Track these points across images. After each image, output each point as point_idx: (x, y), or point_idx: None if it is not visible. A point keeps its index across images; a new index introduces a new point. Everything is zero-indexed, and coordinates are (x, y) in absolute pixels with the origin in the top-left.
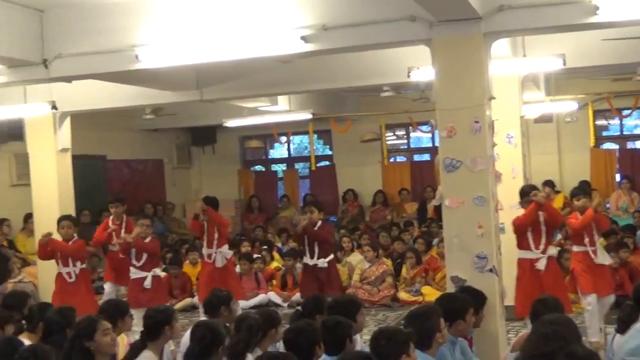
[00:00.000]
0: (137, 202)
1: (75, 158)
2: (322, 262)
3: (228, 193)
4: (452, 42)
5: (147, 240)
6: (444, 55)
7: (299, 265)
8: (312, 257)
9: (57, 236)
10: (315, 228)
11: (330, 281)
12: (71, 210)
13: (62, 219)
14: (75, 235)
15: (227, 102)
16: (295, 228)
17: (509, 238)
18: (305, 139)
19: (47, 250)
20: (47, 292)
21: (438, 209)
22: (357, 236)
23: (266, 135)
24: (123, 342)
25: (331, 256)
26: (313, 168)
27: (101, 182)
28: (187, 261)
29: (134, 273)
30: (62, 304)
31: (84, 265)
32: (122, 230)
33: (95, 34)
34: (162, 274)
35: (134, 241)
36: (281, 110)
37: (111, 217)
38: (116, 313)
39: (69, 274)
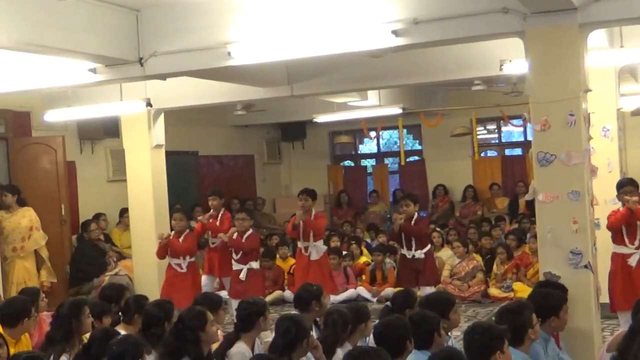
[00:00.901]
0: (228, 197)
1: (168, 154)
2: (420, 253)
3: (317, 188)
4: (546, 34)
5: (248, 233)
6: (538, 48)
7: (388, 261)
8: (409, 249)
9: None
10: (412, 222)
11: (426, 272)
12: (165, 205)
13: (175, 211)
14: (187, 228)
15: (317, 97)
16: (392, 226)
17: (604, 234)
18: (394, 133)
19: (166, 250)
20: (142, 285)
21: (530, 204)
22: (447, 232)
23: (356, 131)
24: None
25: (428, 246)
26: (403, 163)
27: (193, 177)
28: (278, 255)
29: (234, 265)
30: (170, 294)
31: (193, 259)
32: (218, 222)
33: (189, 32)
34: (257, 267)
35: (230, 240)
36: (371, 105)
37: (201, 218)
38: (210, 306)
39: (179, 265)
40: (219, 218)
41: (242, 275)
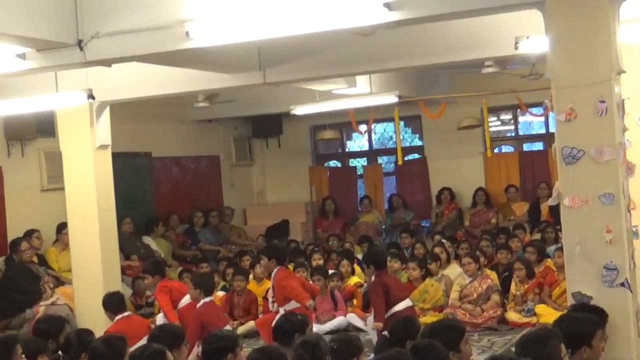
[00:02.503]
0: (188, 208)
1: (115, 156)
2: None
3: (297, 195)
4: (570, 4)
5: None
6: (560, 21)
7: None
8: None
9: None
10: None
11: None
12: (112, 219)
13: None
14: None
15: (295, 85)
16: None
17: None
18: (390, 127)
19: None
20: (85, 317)
21: (555, 210)
22: (455, 245)
23: (343, 124)
24: None
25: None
26: (400, 162)
27: (147, 184)
28: (251, 277)
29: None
30: (121, 328)
31: None
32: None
33: (138, 8)
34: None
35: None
36: (360, 93)
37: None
38: (170, 342)
39: None
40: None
41: None
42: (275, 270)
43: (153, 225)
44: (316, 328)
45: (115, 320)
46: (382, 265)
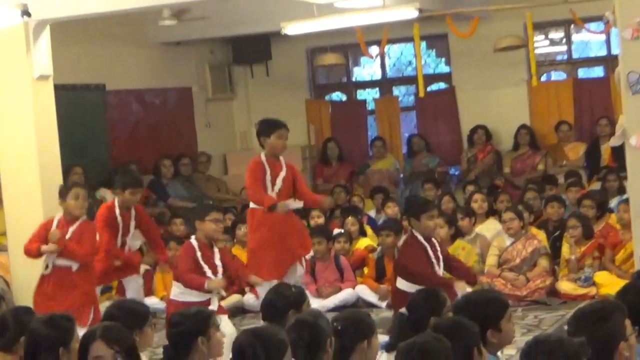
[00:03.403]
0: (153, 154)
1: (59, 90)
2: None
3: (291, 136)
4: None
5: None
6: None
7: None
8: None
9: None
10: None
11: None
12: (56, 168)
13: (74, 185)
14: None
15: None
16: None
17: None
18: (408, 49)
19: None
20: (23, 292)
21: (618, 153)
22: (493, 197)
23: (348, 47)
24: None
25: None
26: (421, 94)
27: (100, 124)
28: (235, 240)
29: None
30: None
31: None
32: (132, 226)
33: None
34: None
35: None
36: (371, 5)
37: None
38: (131, 322)
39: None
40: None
41: None
42: None
43: (109, 178)
44: (317, 304)
45: None
46: None
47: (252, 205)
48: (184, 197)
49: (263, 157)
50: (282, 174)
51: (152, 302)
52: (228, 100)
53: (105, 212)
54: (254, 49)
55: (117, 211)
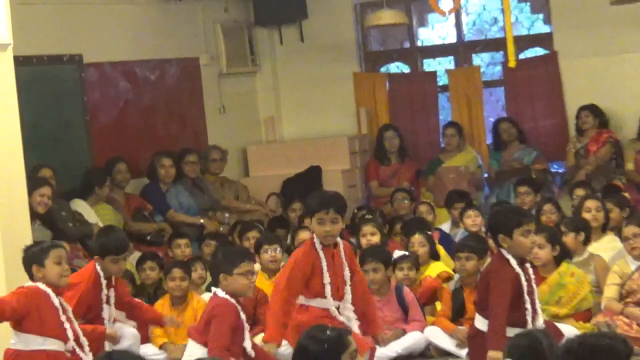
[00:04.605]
0: (148, 149)
1: (22, 63)
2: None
3: (334, 123)
4: None
5: None
6: None
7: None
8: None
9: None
10: None
11: None
12: (17, 168)
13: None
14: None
15: None
16: None
17: None
18: (492, 2)
19: None
20: None
21: None
22: (610, 203)
23: (411, 1)
24: None
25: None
26: (512, 64)
27: (75, 109)
28: (259, 264)
29: None
30: None
31: None
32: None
33: None
34: None
35: None
36: None
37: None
38: None
39: None
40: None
41: None
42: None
43: (91, 183)
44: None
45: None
46: None
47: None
48: (189, 208)
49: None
50: None
51: (149, 352)
52: (249, 76)
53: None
54: (283, 5)
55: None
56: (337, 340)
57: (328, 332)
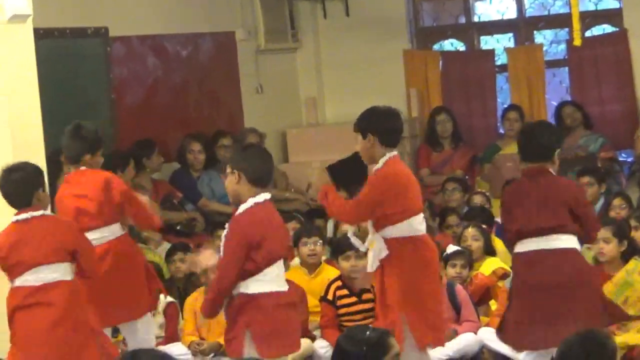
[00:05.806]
0: (178, 131)
1: (42, 36)
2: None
3: (385, 102)
4: None
5: None
6: None
7: None
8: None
9: None
10: None
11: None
12: (37, 148)
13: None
14: None
15: None
16: None
17: None
18: None
19: None
20: None
21: None
22: None
23: None
24: None
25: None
26: (577, 42)
27: (100, 86)
28: (297, 258)
29: None
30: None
31: None
32: None
33: None
34: None
35: None
36: None
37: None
38: None
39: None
40: None
41: None
42: None
43: (117, 165)
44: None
45: None
46: None
47: None
48: (222, 197)
49: None
50: None
51: (178, 351)
52: (289, 52)
53: None
54: None
55: None
56: (377, 343)
57: (368, 333)
